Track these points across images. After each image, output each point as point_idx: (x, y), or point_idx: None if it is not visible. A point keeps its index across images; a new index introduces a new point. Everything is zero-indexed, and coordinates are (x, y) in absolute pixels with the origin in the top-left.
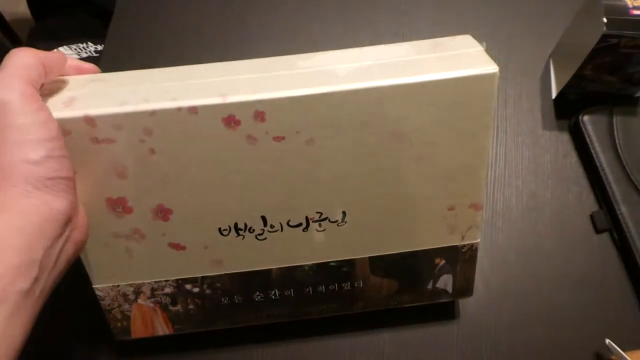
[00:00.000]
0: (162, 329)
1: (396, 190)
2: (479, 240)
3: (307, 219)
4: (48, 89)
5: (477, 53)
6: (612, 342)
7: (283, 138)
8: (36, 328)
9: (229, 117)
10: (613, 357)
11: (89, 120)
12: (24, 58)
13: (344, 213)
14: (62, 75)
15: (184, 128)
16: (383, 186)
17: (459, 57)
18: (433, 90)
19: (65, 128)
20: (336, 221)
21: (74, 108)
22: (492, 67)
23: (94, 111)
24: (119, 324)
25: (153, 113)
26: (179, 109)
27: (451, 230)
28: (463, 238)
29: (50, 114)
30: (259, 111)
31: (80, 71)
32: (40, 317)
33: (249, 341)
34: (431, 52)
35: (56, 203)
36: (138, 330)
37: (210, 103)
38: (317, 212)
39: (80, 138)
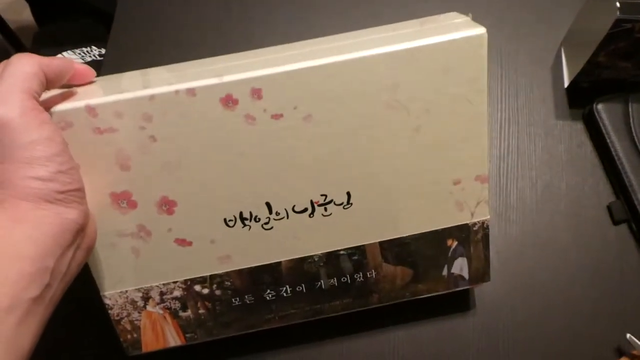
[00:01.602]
0: (174, 339)
1: (399, 164)
2: (489, 217)
3: (312, 203)
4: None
5: (464, 22)
6: (633, 337)
7: (281, 115)
8: (45, 344)
9: (227, 96)
10: (635, 351)
11: (90, 110)
12: (24, 66)
13: (348, 194)
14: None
15: (183, 111)
16: (385, 161)
17: (447, 27)
18: (424, 55)
19: (68, 120)
20: (342, 204)
21: (75, 100)
22: (479, 29)
23: (94, 100)
24: (129, 336)
25: (152, 98)
26: (177, 92)
27: (460, 207)
28: (473, 215)
29: (54, 126)
30: (256, 88)
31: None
32: (49, 335)
33: (261, 349)
34: (419, 27)
35: (69, 214)
36: (149, 343)
37: (208, 84)
38: (321, 195)
39: (82, 130)
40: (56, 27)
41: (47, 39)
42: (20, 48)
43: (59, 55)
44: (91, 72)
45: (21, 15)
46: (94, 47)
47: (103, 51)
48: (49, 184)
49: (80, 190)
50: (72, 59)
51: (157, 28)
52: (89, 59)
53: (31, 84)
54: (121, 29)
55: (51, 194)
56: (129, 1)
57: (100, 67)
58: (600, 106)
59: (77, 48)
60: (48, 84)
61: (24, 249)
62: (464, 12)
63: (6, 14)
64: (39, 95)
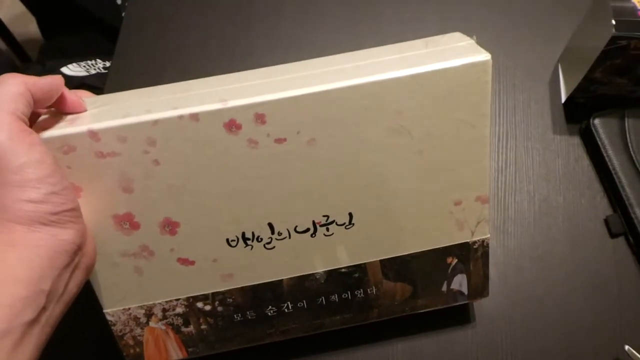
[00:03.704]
0: (176, 353)
1: (401, 186)
2: (489, 235)
3: (314, 223)
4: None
5: (468, 45)
6: (631, 349)
7: (284, 140)
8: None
9: (230, 121)
10: None
11: (93, 135)
12: (9, 87)
13: (350, 215)
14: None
15: (187, 136)
16: (387, 183)
17: (451, 50)
18: (428, 81)
19: (70, 144)
20: (343, 224)
21: (78, 124)
22: (484, 55)
23: (97, 125)
24: (131, 351)
25: (155, 123)
26: (181, 117)
27: (460, 227)
28: (473, 234)
29: (44, 147)
30: (259, 113)
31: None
32: (51, 349)
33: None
34: (423, 49)
35: (64, 234)
36: (152, 357)
37: (211, 109)
38: (323, 216)
39: (85, 154)
40: (62, 40)
41: (53, 52)
42: (26, 60)
43: (64, 68)
44: (81, 106)
45: (28, 28)
46: (98, 60)
47: (108, 64)
48: (41, 206)
49: (75, 209)
50: (61, 77)
51: (162, 42)
52: (93, 72)
53: (17, 105)
54: (126, 43)
55: (45, 215)
56: (135, 15)
57: (105, 80)
58: (597, 121)
59: (82, 61)
60: (36, 104)
61: (18, 273)
62: (464, 28)
63: (13, 26)
64: (27, 116)
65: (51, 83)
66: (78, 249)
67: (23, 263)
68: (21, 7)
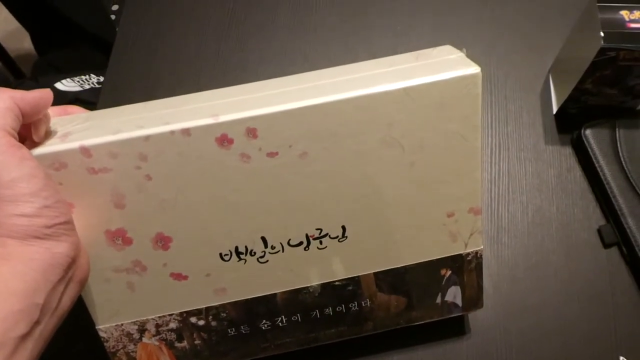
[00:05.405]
0: None
1: (393, 198)
2: (482, 247)
3: (307, 236)
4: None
5: (458, 58)
6: (625, 359)
7: (276, 153)
8: None
9: (222, 136)
10: None
11: (85, 151)
12: None
13: (343, 228)
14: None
15: (179, 151)
16: (380, 196)
17: (442, 63)
18: (419, 94)
19: (62, 161)
20: (337, 237)
21: (70, 140)
22: (474, 68)
23: (89, 141)
24: None
25: (147, 138)
26: (172, 132)
27: (453, 238)
28: (466, 245)
29: (34, 161)
30: (251, 128)
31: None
32: None
33: None
34: (414, 62)
35: (58, 247)
36: None
37: (203, 124)
38: (316, 229)
39: (77, 170)
40: (56, 56)
41: (46, 67)
42: (20, 76)
43: (58, 83)
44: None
45: (22, 44)
46: (92, 75)
47: (101, 79)
48: (35, 220)
49: (69, 222)
50: (49, 90)
51: (156, 56)
52: (87, 87)
53: (6, 120)
54: (120, 57)
55: (39, 229)
56: (128, 29)
57: (99, 94)
58: (588, 131)
59: (76, 76)
60: (25, 117)
61: (11, 286)
62: (456, 40)
63: (7, 42)
64: (16, 130)
65: (39, 97)
66: (72, 262)
67: (17, 276)
68: (15, 24)
